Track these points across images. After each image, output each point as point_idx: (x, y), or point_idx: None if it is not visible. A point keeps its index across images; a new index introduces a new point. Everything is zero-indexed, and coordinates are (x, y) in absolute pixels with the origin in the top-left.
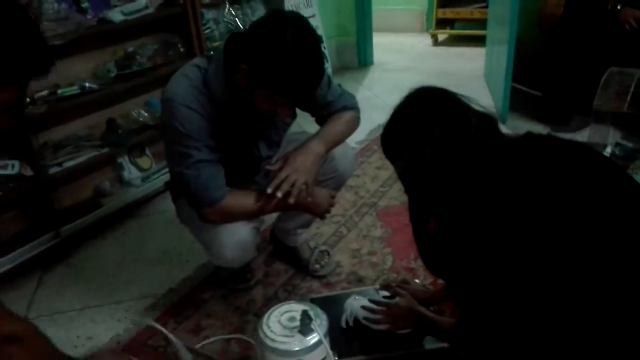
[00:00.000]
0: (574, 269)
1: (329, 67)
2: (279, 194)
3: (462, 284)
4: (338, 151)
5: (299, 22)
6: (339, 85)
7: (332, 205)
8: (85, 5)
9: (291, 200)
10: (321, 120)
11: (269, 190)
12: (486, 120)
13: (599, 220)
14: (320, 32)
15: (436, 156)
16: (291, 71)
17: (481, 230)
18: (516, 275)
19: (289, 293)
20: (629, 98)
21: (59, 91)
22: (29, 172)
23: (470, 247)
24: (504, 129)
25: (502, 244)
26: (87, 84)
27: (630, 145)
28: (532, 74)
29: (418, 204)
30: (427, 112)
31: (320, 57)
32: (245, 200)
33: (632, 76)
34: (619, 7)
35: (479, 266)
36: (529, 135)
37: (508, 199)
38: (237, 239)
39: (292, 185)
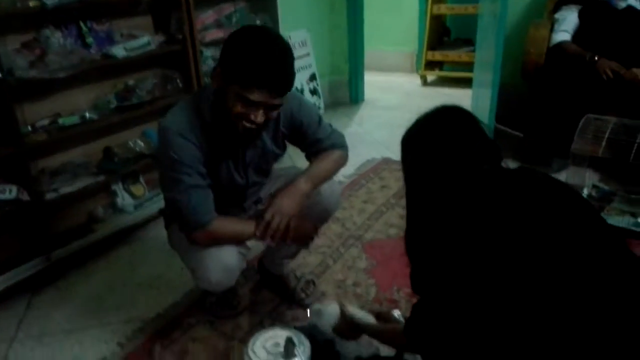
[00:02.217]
0: (522, 285)
1: (321, 102)
2: (264, 242)
3: (429, 281)
4: (324, 187)
5: (267, 28)
6: (330, 125)
7: (315, 235)
8: (89, 40)
9: (272, 244)
10: (310, 157)
11: (257, 234)
12: (491, 148)
13: (554, 247)
14: (313, 70)
15: (437, 166)
16: (254, 56)
17: (451, 239)
18: (474, 287)
19: (275, 320)
20: (603, 143)
21: (60, 120)
22: (26, 197)
23: (440, 249)
24: None
25: (466, 254)
26: (87, 114)
27: (606, 188)
28: (515, 116)
29: (414, 203)
30: (445, 127)
31: (285, 50)
32: (232, 225)
33: (608, 123)
34: (596, 58)
35: (443, 262)
36: (522, 168)
37: (482, 217)
38: (222, 262)
39: (277, 227)
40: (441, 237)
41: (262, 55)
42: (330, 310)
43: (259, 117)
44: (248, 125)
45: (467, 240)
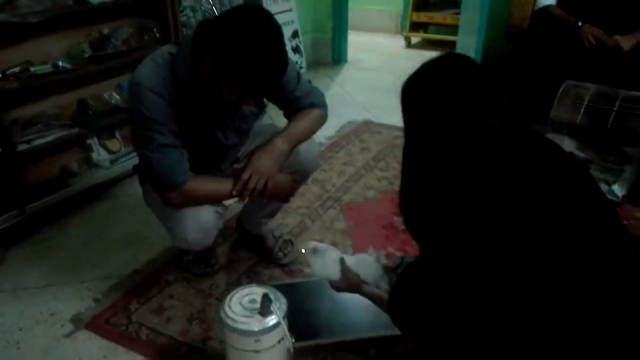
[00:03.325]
0: (519, 247)
1: (303, 61)
2: (241, 201)
3: (425, 234)
4: (303, 146)
5: (261, 16)
6: (309, 82)
7: (294, 189)
8: None
9: (249, 202)
10: (289, 115)
11: (234, 193)
12: (499, 102)
13: (551, 214)
14: (296, 26)
15: (439, 118)
16: (253, 64)
17: (452, 192)
18: (466, 250)
19: (251, 279)
20: (582, 110)
21: (32, 69)
22: None
23: (438, 200)
24: None
25: (465, 208)
26: (60, 63)
27: (582, 155)
28: (497, 80)
29: (412, 153)
30: (449, 76)
31: (282, 50)
32: (207, 185)
33: (588, 90)
34: (580, 24)
35: (439, 215)
36: (527, 130)
37: (483, 173)
38: (199, 222)
39: (254, 187)
40: (437, 196)
41: (264, 64)
42: (328, 256)
43: (253, 101)
44: (240, 104)
45: (464, 202)
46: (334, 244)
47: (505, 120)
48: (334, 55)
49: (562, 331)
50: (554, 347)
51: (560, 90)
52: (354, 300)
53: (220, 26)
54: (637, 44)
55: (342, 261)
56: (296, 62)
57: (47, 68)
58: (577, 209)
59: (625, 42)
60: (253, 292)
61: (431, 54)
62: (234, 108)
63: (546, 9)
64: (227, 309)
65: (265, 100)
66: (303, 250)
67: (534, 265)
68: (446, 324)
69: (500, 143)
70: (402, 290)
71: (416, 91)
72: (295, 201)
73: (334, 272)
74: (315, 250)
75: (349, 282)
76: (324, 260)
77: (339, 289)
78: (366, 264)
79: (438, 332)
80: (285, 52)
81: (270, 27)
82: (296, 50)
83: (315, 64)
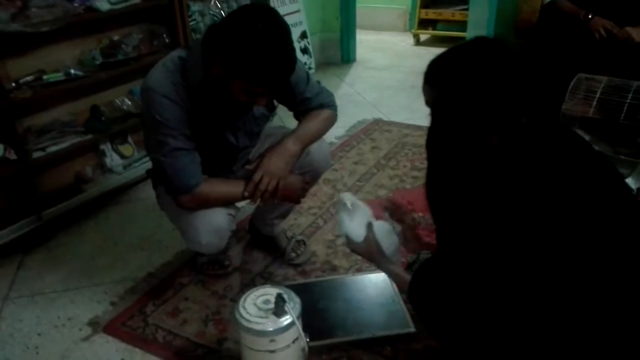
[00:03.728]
0: (546, 244)
1: (312, 61)
2: (253, 202)
3: (447, 219)
4: (314, 147)
5: (268, 14)
6: (318, 82)
7: (306, 190)
8: None
9: (261, 204)
10: (299, 116)
11: (246, 194)
12: (532, 94)
13: (579, 217)
14: (304, 27)
15: (468, 108)
16: (262, 61)
17: (475, 182)
18: (493, 234)
19: (266, 280)
20: (594, 103)
21: (45, 77)
22: (12, 155)
23: (462, 192)
24: None
25: (487, 203)
26: (72, 71)
27: (595, 148)
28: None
29: (437, 134)
30: (483, 63)
31: (290, 46)
32: (220, 187)
33: (599, 82)
34: (589, 17)
35: (462, 204)
36: (559, 126)
37: (508, 171)
38: (211, 225)
39: (266, 188)
40: (461, 187)
41: (272, 59)
42: (359, 215)
43: (263, 101)
44: (252, 105)
45: (486, 197)
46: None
47: (535, 116)
48: (342, 54)
49: (579, 327)
50: (572, 341)
51: (572, 83)
52: (368, 299)
53: (227, 26)
54: None
55: (370, 227)
56: (305, 63)
57: (59, 76)
58: (605, 209)
59: (637, 34)
60: (267, 293)
61: (441, 51)
62: (245, 109)
63: (555, 2)
64: (241, 309)
65: (275, 102)
66: (343, 197)
67: (557, 262)
68: (465, 319)
69: (528, 142)
70: (423, 282)
71: (449, 73)
72: (307, 201)
73: (358, 234)
74: (348, 205)
75: (370, 251)
76: (353, 218)
77: (355, 250)
78: (389, 234)
79: (457, 326)
80: (293, 49)
81: (277, 23)
82: (305, 51)
83: (325, 64)
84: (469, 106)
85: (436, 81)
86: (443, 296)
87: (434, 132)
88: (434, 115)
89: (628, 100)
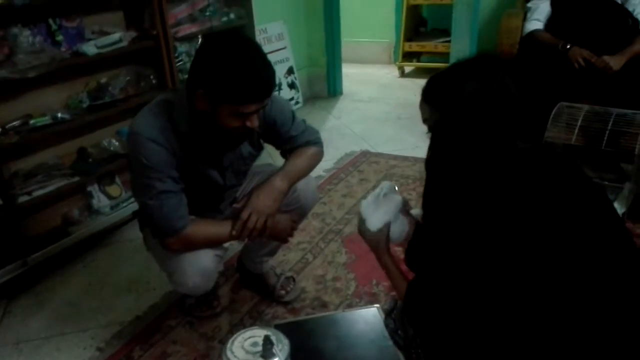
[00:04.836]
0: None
1: (299, 96)
2: (240, 241)
3: (445, 237)
4: (300, 183)
5: (233, 34)
6: (304, 121)
7: (293, 229)
8: (59, 38)
9: (249, 242)
10: (285, 154)
11: (234, 233)
12: (529, 119)
13: (569, 240)
14: (291, 63)
15: (468, 133)
16: (244, 76)
17: (466, 203)
18: (481, 255)
19: (255, 319)
20: (576, 131)
21: (31, 121)
22: None
23: (461, 212)
24: None
25: (486, 223)
26: (59, 114)
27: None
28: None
29: (436, 159)
30: (481, 83)
31: (264, 55)
32: (207, 228)
33: (580, 110)
34: (568, 47)
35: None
36: (554, 154)
37: (508, 193)
38: (199, 266)
39: (254, 226)
40: (460, 208)
41: (251, 71)
42: (385, 205)
43: (255, 121)
44: (245, 130)
45: (485, 217)
46: (336, 278)
47: (528, 139)
48: (329, 88)
49: (569, 337)
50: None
51: (553, 112)
52: (359, 335)
53: (200, 57)
54: (626, 63)
55: (388, 225)
56: (292, 98)
57: (46, 120)
58: (595, 231)
59: (615, 62)
60: (255, 335)
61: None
62: (236, 141)
63: (534, 34)
64: (229, 353)
65: (262, 142)
66: (384, 184)
67: (549, 280)
68: (460, 334)
69: (524, 164)
70: (418, 298)
71: (450, 91)
72: (297, 237)
73: (375, 222)
74: (381, 194)
75: (377, 245)
76: (379, 206)
77: (364, 236)
78: (401, 223)
79: (451, 339)
80: (267, 57)
81: (244, 39)
82: (292, 86)
83: (312, 98)
84: (470, 130)
85: (435, 100)
86: (438, 314)
87: (434, 154)
88: (434, 136)
89: (609, 127)
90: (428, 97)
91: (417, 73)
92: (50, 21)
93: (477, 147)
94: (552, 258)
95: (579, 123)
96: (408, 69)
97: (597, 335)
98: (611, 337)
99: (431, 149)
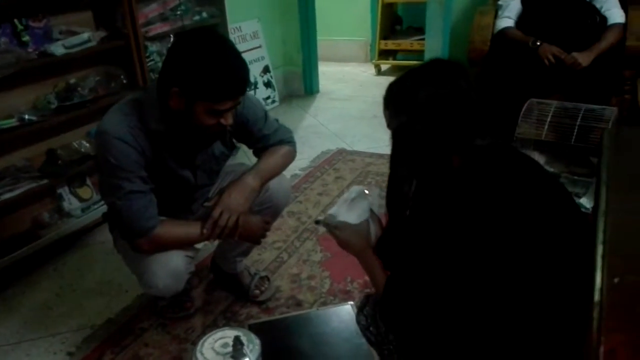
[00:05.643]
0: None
1: (276, 95)
2: (211, 241)
3: (411, 239)
4: (273, 182)
5: (208, 32)
6: (276, 120)
7: (266, 230)
8: (26, 39)
9: (217, 241)
10: (258, 153)
11: (205, 232)
12: (485, 117)
13: (536, 239)
14: (266, 62)
15: (429, 132)
16: (219, 73)
17: (433, 207)
18: (452, 253)
19: (228, 320)
20: (546, 126)
21: None
22: None
23: (427, 212)
24: None
25: (448, 223)
26: (26, 116)
27: (551, 169)
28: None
29: (399, 161)
30: (439, 85)
31: (237, 51)
32: (177, 229)
33: (550, 106)
34: (538, 44)
35: (424, 230)
36: (511, 150)
37: (471, 190)
38: (169, 268)
39: (225, 225)
40: (426, 208)
41: (226, 68)
42: (359, 205)
43: (230, 118)
44: (219, 128)
45: (451, 216)
46: (311, 277)
47: (488, 138)
48: (305, 87)
49: (539, 339)
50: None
51: (524, 108)
52: (333, 333)
53: (173, 56)
54: (594, 59)
55: (368, 220)
56: (269, 97)
57: (12, 122)
58: (556, 225)
59: (583, 58)
60: (225, 336)
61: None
62: (209, 139)
63: (505, 31)
64: (199, 355)
65: (235, 141)
66: (353, 189)
67: (516, 276)
68: (435, 335)
69: (485, 161)
70: (392, 299)
71: (406, 98)
72: (272, 235)
73: (353, 218)
74: (349, 198)
75: (361, 239)
76: (352, 208)
77: (344, 236)
78: (376, 222)
79: (425, 336)
80: (241, 55)
81: (216, 36)
82: (268, 84)
83: (288, 96)
84: (427, 131)
85: (394, 106)
86: (412, 310)
87: (396, 157)
88: (394, 142)
89: (578, 123)
90: (387, 104)
91: (393, 71)
92: (16, 21)
93: (436, 148)
94: (513, 252)
95: (548, 119)
96: (384, 67)
97: (558, 328)
98: (569, 330)
99: (393, 151)
